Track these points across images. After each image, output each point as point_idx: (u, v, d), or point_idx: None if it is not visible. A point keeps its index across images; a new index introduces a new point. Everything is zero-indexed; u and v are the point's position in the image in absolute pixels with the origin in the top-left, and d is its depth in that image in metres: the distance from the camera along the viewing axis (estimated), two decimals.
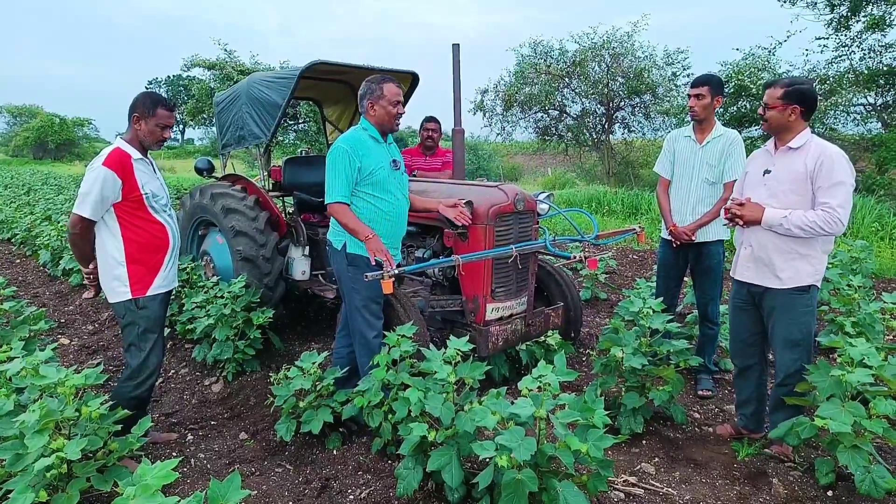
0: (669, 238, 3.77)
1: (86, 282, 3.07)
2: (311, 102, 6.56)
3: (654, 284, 4.22)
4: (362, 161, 3.07)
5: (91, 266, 2.98)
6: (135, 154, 2.93)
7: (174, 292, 4.63)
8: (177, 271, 3.21)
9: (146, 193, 2.92)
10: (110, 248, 2.90)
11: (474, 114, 19.27)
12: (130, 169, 2.87)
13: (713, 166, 3.62)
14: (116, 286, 2.93)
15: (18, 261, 8.52)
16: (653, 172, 18.23)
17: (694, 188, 3.70)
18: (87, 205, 2.79)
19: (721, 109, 12.20)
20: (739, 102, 12.72)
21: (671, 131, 4.03)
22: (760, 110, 2.87)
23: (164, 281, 3.04)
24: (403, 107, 3.23)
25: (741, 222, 2.86)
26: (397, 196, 3.24)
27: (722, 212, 3.05)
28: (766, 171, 2.89)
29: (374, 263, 2.98)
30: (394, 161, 3.25)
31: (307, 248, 4.63)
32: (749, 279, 2.95)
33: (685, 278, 4.08)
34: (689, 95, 3.67)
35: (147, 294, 2.97)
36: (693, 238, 3.63)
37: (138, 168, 2.91)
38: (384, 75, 3.21)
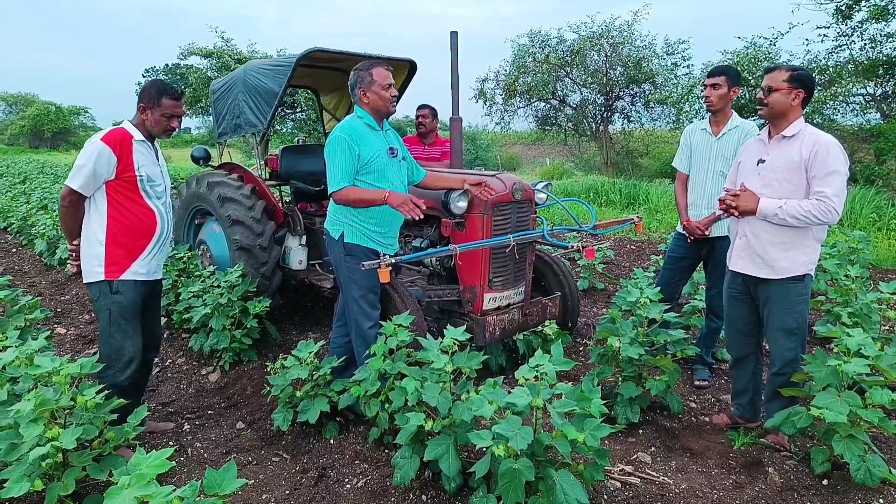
0: (684, 233, 3.75)
1: (70, 259, 3.02)
2: (308, 91, 6.52)
3: (652, 274, 4.21)
4: (361, 149, 3.05)
5: (77, 241, 2.93)
6: (137, 135, 2.88)
7: (166, 284, 4.63)
8: (161, 263, 3.11)
9: (141, 176, 2.87)
10: (94, 225, 2.86)
11: (476, 101, 19.21)
12: (129, 148, 2.83)
13: (728, 159, 3.56)
14: (93, 266, 2.86)
15: (14, 250, 8.48)
16: (651, 162, 18.15)
17: (710, 182, 3.66)
18: (79, 178, 2.76)
19: None
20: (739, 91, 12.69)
21: (687, 125, 3.99)
22: (761, 94, 2.82)
23: (142, 268, 2.94)
24: (396, 90, 3.20)
25: (736, 213, 2.85)
26: (395, 184, 3.21)
27: (717, 203, 3.03)
28: (760, 161, 2.87)
29: (408, 216, 2.96)
30: (391, 148, 3.22)
31: (304, 237, 4.61)
32: (744, 269, 2.94)
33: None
34: (705, 85, 3.62)
35: (121, 278, 2.87)
36: (707, 233, 3.61)
37: (137, 149, 2.86)
38: (371, 61, 3.17)
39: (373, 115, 3.16)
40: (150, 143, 2.97)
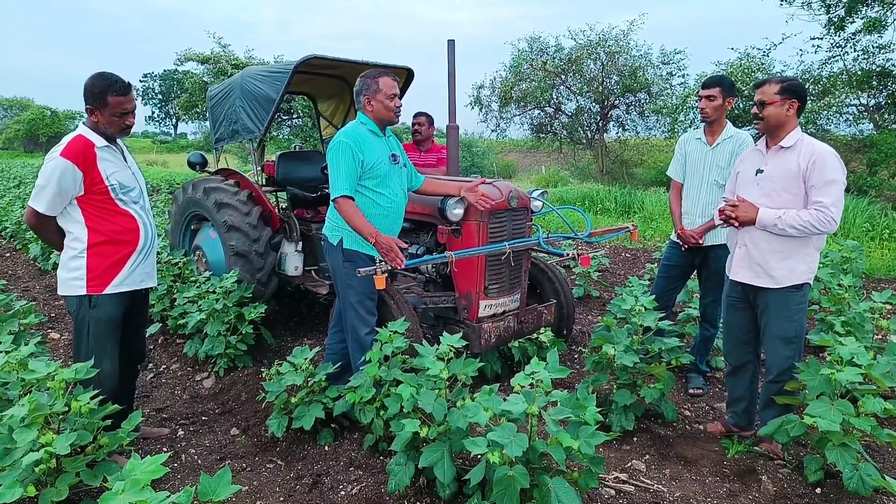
0: (678, 241, 3.77)
1: None
2: (305, 97, 6.54)
3: (647, 282, 4.23)
4: (364, 155, 3.06)
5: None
6: (99, 142, 2.65)
7: (161, 289, 4.62)
8: (151, 271, 2.95)
9: (112, 185, 2.66)
10: (73, 235, 2.69)
11: (471, 108, 19.28)
12: (93, 158, 2.61)
13: (722, 168, 3.58)
14: (71, 278, 2.68)
15: (8, 255, 8.44)
16: (646, 171, 18.20)
17: (704, 191, 3.67)
18: (43, 199, 2.56)
19: None
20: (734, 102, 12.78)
21: (682, 134, 4.02)
22: (755, 109, 2.86)
23: (127, 279, 2.77)
24: (400, 99, 3.22)
25: (736, 223, 2.87)
26: (396, 191, 3.23)
27: (716, 213, 3.06)
28: (759, 171, 2.90)
29: (390, 265, 2.88)
30: (393, 155, 3.24)
31: (300, 243, 4.62)
32: (744, 279, 2.96)
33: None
34: (700, 97, 3.64)
35: (104, 293, 2.70)
36: (701, 241, 3.62)
37: (103, 157, 2.65)
38: (379, 70, 3.20)
39: (375, 123, 3.19)
40: (113, 146, 2.74)
